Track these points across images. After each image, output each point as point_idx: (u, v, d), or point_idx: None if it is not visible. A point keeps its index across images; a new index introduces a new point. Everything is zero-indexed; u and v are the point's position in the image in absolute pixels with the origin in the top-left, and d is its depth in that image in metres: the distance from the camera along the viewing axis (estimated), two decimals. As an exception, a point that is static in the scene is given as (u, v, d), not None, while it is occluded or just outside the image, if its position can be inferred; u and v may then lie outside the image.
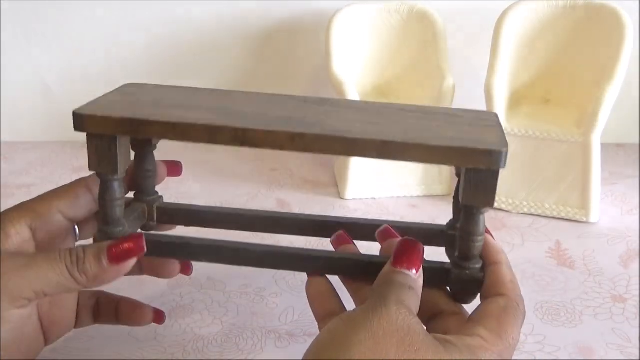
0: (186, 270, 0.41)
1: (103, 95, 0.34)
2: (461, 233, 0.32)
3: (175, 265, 0.40)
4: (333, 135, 0.29)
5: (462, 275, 0.32)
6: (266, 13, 0.69)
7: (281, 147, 0.30)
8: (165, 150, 0.73)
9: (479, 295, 0.33)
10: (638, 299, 0.46)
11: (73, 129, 0.32)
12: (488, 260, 0.33)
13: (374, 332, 0.27)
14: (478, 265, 0.32)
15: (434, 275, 0.33)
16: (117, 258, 0.32)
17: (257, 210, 0.42)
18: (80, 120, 0.31)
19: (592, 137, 0.55)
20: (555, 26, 0.59)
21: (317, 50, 0.70)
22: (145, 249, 0.33)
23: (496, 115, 0.35)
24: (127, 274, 0.38)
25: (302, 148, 0.29)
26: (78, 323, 0.38)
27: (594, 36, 0.58)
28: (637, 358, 0.40)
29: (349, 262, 0.35)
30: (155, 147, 0.38)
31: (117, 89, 0.36)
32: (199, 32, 0.71)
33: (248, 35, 0.71)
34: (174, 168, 0.42)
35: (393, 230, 0.37)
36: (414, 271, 0.31)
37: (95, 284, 0.32)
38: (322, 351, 0.28)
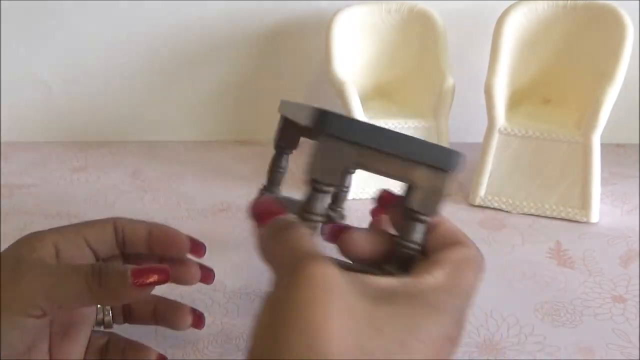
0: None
1: None
2: None
3: (188, 312, 0.38)
4: None
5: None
6: (266, 13, 0.69)
7: None
8: (164, 149, 0.74)
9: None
10: (638, 299, 0.46)
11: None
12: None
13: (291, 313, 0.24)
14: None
15: None
16: (140, 284, 0.31)
17: None
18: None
19: (592, 137, 0.55)
20: (556, 26, 0.59)
21: (317, 50, 0.70)
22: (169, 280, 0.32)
23: None
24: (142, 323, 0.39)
25: None
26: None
27: (594, 36, 0.58)
28: (637, 358, 0.40)
29: None
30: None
31: None
32: (198, 32, 0.71)
33: (248, 35, 0.71)
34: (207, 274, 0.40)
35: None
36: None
37: (112, 302, 0.33)
38: (255, 335, 0.25)
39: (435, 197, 0.30)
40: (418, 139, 0.29)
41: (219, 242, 0.53)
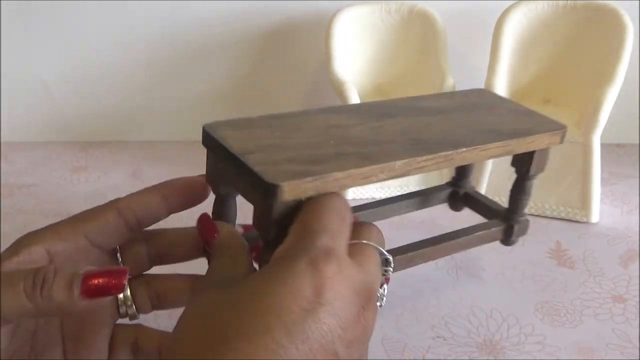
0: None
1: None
2: (517, 196, 0.41)
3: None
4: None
5: (521, 223, 0.42)
6: (266, 13, 0.69)
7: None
8: (164, 149, 0.74)
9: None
10: (638, 299, 0.46)
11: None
12: None
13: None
14: (525, 217, 0.43)
15: (498, 233, 0.42)
16: (90, 292, 0.26)
17: None
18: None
19: (592, 137, 0.55)
20: (555, 26, 0.59)
21: (317, 50, 0.70)
22: (126, 288, 0.28)
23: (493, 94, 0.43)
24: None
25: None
26: None
27: (594, 36, 0.58)
28: (637, 358, 0.40)
29: None
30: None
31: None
32: (199, 32, 0.71)
33: (248, 35, 0.71)
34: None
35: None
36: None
37: (59, 314, 0.29)
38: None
39: (265, 224, 0.29)
40: (254, 172, 0.28)
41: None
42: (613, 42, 0.55)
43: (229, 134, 0.32)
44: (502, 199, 0.59)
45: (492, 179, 0.59)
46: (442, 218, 0.55)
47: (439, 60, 0.61)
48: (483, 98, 0.41)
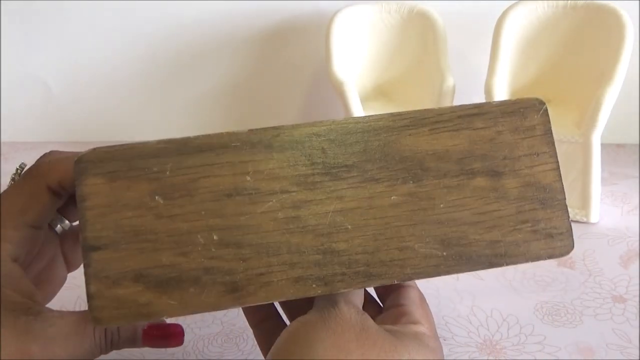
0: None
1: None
2: None
3: None
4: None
5: None
6: (266, 13, 0.69)
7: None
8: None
9: None
10: (638, 299, 0.46)
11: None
12: None
13: (332, 330, 0.28)
14: None
15: None
16: (151, 344, 0.33)
17: None
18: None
19: (592, 137, 0.55)
20: (555, 26, 0.59)
21: (317, 50, 0.70)
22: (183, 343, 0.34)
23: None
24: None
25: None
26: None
27: (594, 36, 0.58)
28: (637, 358, 0.40)
29: None
30: None
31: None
32: (198, 33, 0.71)
33: (248, 36, 0.71)
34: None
35: None
36: None
37: None
38: (285, 352, 0.29)
39: None
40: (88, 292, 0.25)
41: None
42: (613, 42, 0.55)
43: (97, 186, 0.23)
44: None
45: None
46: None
47: (439, 60, 0.61)
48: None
